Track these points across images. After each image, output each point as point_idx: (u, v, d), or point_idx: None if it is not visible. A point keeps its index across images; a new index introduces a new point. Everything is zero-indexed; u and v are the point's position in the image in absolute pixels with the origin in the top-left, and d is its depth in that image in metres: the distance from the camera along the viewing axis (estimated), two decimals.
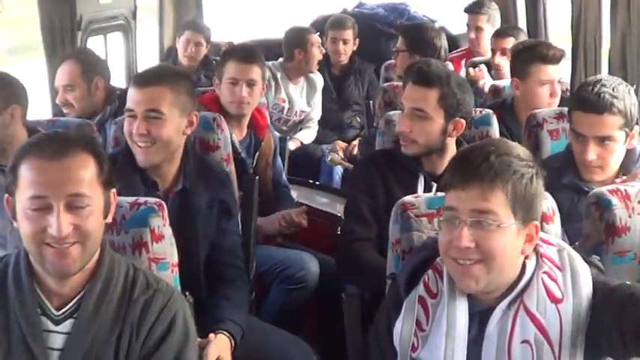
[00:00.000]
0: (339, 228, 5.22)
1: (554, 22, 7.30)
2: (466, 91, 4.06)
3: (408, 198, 3.27)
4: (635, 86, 4.76)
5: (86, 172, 2.68)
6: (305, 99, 7.34)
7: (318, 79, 7.43)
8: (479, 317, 2.74)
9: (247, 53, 5.17)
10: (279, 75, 7.16)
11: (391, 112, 4.61)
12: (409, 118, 3.98)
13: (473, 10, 7.37)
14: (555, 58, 4.98)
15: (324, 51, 7.41)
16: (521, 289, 2.70)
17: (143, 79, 3.91)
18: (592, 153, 3.75)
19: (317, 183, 6.43)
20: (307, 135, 7.31)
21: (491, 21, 7.26)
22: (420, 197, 3.27)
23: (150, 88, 3.83)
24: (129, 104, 3.84)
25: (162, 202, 3.23)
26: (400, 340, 2.80)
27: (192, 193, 3.86)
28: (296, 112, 7.29)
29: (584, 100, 3.77)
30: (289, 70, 7.28)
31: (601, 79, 3.82)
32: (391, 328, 2.86)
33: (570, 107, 3.90)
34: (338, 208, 5.64)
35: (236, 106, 4.99)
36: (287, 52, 7.28)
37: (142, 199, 3.19)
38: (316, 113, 7.43)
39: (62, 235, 2.61)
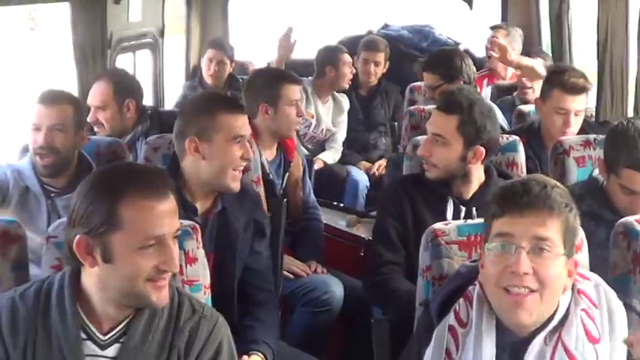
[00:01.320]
0: (363, 250, 5.29)
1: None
2: (489, 119, 4.08)
3: (439, 225, 3.29)
4: None
5: (175, 205, 2.76)
6: (331, 118, 7.39)
7: (345, 101, 7.49)
8: (510, 350, 2.75)
9: (295, 76, 5.33)
10: (309, 91, 7.20)
11: (418, 137, 4.63)
12: (430, 142, 4.07)
13: (494, 26, 7.45)
14: (576, 89, 4.96)
15: (354, 70, 7.47)
16: (557, 323, 2.71)
17: (236, 106, 4.04)
18: None
19: (342, 205, 6.43)
20: (331, 155, 7.34)
21: (509, 37, 7.26)
22: (450, 224, 3.29)
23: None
24: (238, 132, 3.93)
25: (197, 225, 3.25)
26: None
27: (231, 214, 3.92)
28: (322, 129, 7.33)
29: (638, 160, 3.70)
30: (319, 87, 7.35)
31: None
32: (421, 356, 2.87)
33: (615, 161, 3.79)
34: (362, 230, 5.66)
35: (293, 127, 5.13)
36: (319, 69, 7.38)
37: None
38: (341, 134, 7.47)
39: (176, 268, 2.71)
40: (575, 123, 5.00)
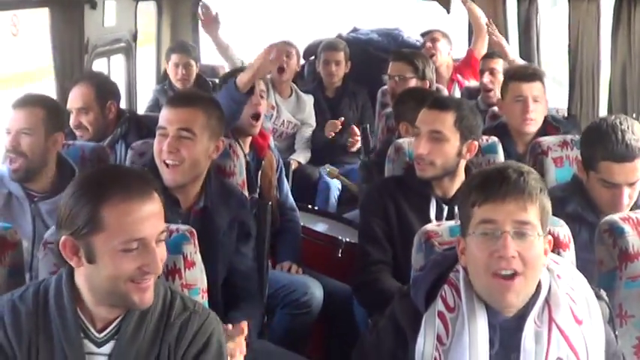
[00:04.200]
0: (340, 251, 5.33)
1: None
2: (477, 115, 4.25)
3: (431, 226, 3.34)
4: (634, 115, 4.89)
5: (160, 207, 2.79)
6: (292, 112, 7.43)
7: (308, 98, 7.56)
8: (500, 329, 2.82)
9: None
10: (269, 85, 7.20)
11: (401, 140, 4.68)
12: (427, 140, 4.12)
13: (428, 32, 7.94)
14: (527, 75, 5.18)
15: (283, 59, 7.39)
16: (543, 302, 2.80)
17: (178, 100, 4.05)
18: (626, 198, 3.81)
19: (316, 208, 6.46)
20: (303, 155, 7.40)
21: (446, 37, 7.77)
22: (442, 225, 3.34)
23: (184, 108, 3.94)
24: (162, 122, 3.94)
25: (193, 230, 3.28)
26: (423, 354, 2.86)
27: (214, 212, 3.95)
28: (283, 121, 7.38)
29: (615, 152, 3.78)
30: (275, 80, 7.40)
31: (617, 124, 3.83)
32: (406, 344, 2.91)
33: (592, 157, 3.87)
34: (337, 231, 5.70)
35: (250, 121, 5.08)
36: None
37: (174, 226, 3.24)
38: (309, 134, 7.53)
39: (158, 270, 2.73)
40: (535, 109, 5.14)
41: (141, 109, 7.35)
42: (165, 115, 3.96)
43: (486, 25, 7.18)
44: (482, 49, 7.31)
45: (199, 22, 7.91)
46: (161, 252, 2.75)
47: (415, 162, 4.19)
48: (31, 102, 4.29)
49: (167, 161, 3.88)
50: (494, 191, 2.77)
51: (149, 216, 2.72)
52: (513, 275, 2.73)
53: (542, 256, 2.81)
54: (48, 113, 4.28)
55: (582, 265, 3.17)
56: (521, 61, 6.81)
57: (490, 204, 2.78)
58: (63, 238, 2.73)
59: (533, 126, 5.15)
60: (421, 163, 4.14)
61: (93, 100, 5.18)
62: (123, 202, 2.69)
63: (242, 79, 4.79)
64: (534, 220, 2.77)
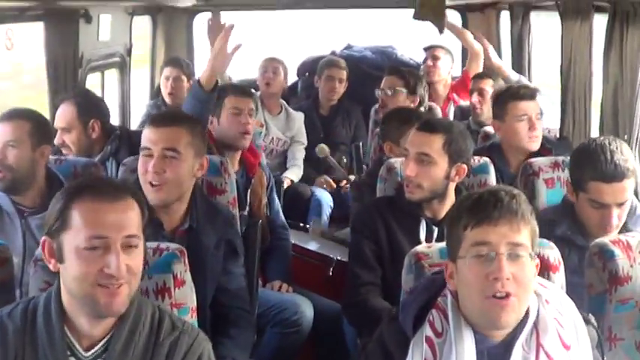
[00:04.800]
0: (331, 269, 5.33)
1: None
2: (467, 138, 4.24)
3: (421, 247, 3.34)
4: (626, 137, 4.90)
5: (135, 215, 2.78)
6: (281, 129, 7.42)
7: (298, 115, 7.55)
8: (488, 355, 2.81)
9: (244, 88, 5.42)
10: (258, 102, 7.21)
11: (392, 160, 4.69)
12: (415, 162, 4.12)
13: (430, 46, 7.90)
14: (527, 95, 5.20)
15: (270, 74, 7.49)
16: (531, 327, 2.80)
17: (161, 120, 4.04)
18: (615, 218, 3.81)
19: (307, 226, 6.46)
20: (296, 173, 7.36)
21: (447, 55, 7.77)
22: (432, 247, 3.34)
23: (167, 128, 3.94)
24: (145, 143, 3.93)
25: (183, 249, 3.28)
26: None
27: (201, 232, 3.94)
28: (272, 138, 7.36)
29: (604, 172, 3.79)
30: (263, 97, 7.41)
31: (606, 144, 3.85)
32: None
33: (581, 177, 3.88)
34: (328, 250, 5.70)
35: (240, 136, 5.11)
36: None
37: (164, 245, 3.24)
38: (300, 152, 7.52)
39: (121, 274, 2.69)
40: (539, 127, 5.18)
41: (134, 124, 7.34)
42: (148, 136, 3.95)
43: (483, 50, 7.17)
44: (477, 70, 7.32)
45: (195, 35, 7.95)
46: (130, 260, 2.73)
47: (404, 184, 4.19)
48: (16, 115, 4.32)
49: (153, 182, 3.87)
50: (488, 213, 2.78)
51: (115, 217, 2.72)
52: (507, 296, 2.73)
53: (533, 279, 2.81)
54: (34, 126, 4.30)
55: (572, 289, 3.18)
56: (525, 81, 6.85)
57: (484, 226, 2.78)
58: (42, 238, 2.79)
59: (537, 143, 5.17)
60: (409, 185, 4.15)
61: (75, 119, 5.15)
62: (92, 201, 2.72)
63: (204, 76, 4.80)
64: (526, 242, 2.78)
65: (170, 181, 3.88)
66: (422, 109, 6.13)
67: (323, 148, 7.34)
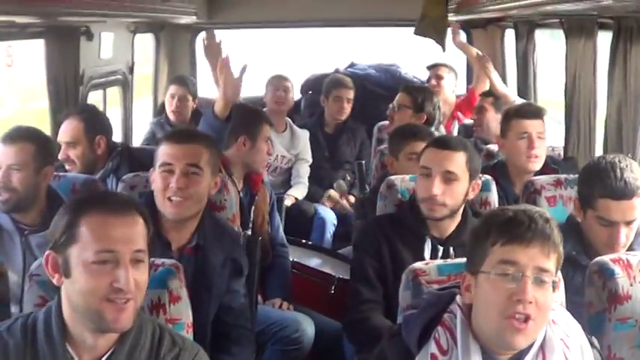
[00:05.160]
0: (333, 288, 5.31)
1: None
2: (478, 155, 4.30)
3: (419, 264, 3.32)
4: (630, 154, 4.87)
5: (142, 230, 2.78)
6: (285, 147, 7.42)
7: (303, 133, 7.56)
8: None
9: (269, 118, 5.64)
10: None
11: (393, 177, 4.67)
12: (441, 180, 4.08)
13: (435, 65, 7.92)
14: (530, 113, 5.19)
15: (281, 95, 7.56)
16: (538, 348, 2.76)
17: (182, 136, 4.05)
18: (623, 237, 3.77)
19: (310, 243, 6.45)
20: (300, 191, 7.36)
21: (451, 73, 7.76)
22: (430, 264, 3.31)
23: (189, 144, 3.97)
24: (166, 159, 3.94)
25: (179, 264, 3.27)
26: None
27: (209, 251, 3.93)
28: (277, 156, 7.35)
29: (613, 189, 3.75)
30: (269, 114, 7.39)
31: (616, 162, 3.82)
32: None
33: (590, 194, 3.85)
34: (331, 268, 5.68)
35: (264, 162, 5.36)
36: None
37: (159, 261, 3.22)
38: (305, 169, 7.51)
39: (130, 288, 2.68)
40: (540, 146, 5.13)
41: (137, 142, 7.34)
42: (169, 152, 3.96)
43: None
44: (484, 89, 7.29)
45: (198, 53, 7.95)
46: (138, 275, 2.73)
47: (424, 202, 4.13)
48: (21, 137, 4.30)
49: (174, 198, 3.88)
50: (521, 233, 2.72)
51: (125, 232, 2.72)
52: (526, 319, 2.68)
53: (552, 304, 2.78)
54: (38, 148, 4.29)
55: (574, 309, 3.12)
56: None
57: (514, 245, 2.73)
58: (47, 253, 2.76)
59: (538, 163, 5.13)
60: (434, 203, 4.09)
61: (82, 135, 5.18)
62: (100, 215, 2.71)
63: (218, 106, 4.85)
64: (553, 268, 2.74)
65: (191, 197, 3.89)
66: (433, 128, 6.08)
67: (341, 185, 7.33)
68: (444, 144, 4.19)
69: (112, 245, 2.68)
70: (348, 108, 7.77)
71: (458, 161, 4.11)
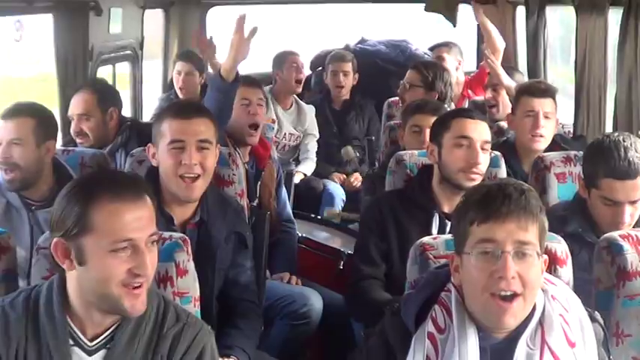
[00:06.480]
0: (342, 263, 5.31)
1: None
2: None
3: (427, 239, 3.30)
4: (639, 132, 4.85)
5: (153, 211, 2.77)
6: (292, 124, 7.45)
7: (309, 108, 7.57)
8: (491, 352, 2.76)
9: (252, 78, 5.39)
10: (269, 97, 7.16)
11: (402, 152, 4.66)
12: (483, 151, 4.13)
13: (436, 46, 7.81)
14: (539, 91, 5.14)
15: (303, 73, 7.60)
16: (536, 324, 2.75)
17: (190, 111, 3.96)
18: (628, 217, 3.75)
19: (319, 217, 6.45)
20: (309, 167, 7.40)
21: (452, 53, 7.59)
22: (438, 238, 3.30)
23: (199, 119, 3.91)
24: (177, 135, 3.85)
25: (187, 238, 3.26)
26: None
27: (212, 225, 3.91)
28: (285, 134, 7.38)
29: (617, 169, 3.74)
30: (276, 92, 7.47)
31: (620, 141, 3.80)
32: None
33: (594, 174, 3.84)
34: (340, 243, 5.68)
35: (248, 131, 5.11)
36: (272, 75, 7.56)
37: (167, 234, 3.22)
38: (313, 145, 7.54)
39: (147, 272, 2.69)
40: (546, 125, 5.09)
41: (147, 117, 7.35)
42: (179, 128, 3.86)
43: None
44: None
45: (208, 29, 7.93)
46: (152, 257, 2.72)
47: (464, 172, 4.10)
48: (20, 112, 4.28)
49: (187, 174, 3.83)
50: (495, 209, 2.70)
51: (139, 218, 2.70)
52: (512, 297, 2.67)
53: (540, 277, 2.76)
54: (38, 122, 4.27)
55: (581, 286, 3.15)
56: None
57: (490, 223, 2.71)
58: (54, 240, 2.72)
59: (542, 143, 5.09)
60: (475, 173, 4.10)
61: (94, 107, 5.17)
62: (112, 202, 2.67)
63: (225, 67, 4.66)
64: (534, 240, 2.71)
65: (206, 173, 3.86)
66: (445, 105, 6.05)
67: (348, 151, 7.33)
68: (472, 114, 4.26)
69: (129, 233, 2.66)
70: (346, 81, 7.77)
71: (488, 131, 4.19)
